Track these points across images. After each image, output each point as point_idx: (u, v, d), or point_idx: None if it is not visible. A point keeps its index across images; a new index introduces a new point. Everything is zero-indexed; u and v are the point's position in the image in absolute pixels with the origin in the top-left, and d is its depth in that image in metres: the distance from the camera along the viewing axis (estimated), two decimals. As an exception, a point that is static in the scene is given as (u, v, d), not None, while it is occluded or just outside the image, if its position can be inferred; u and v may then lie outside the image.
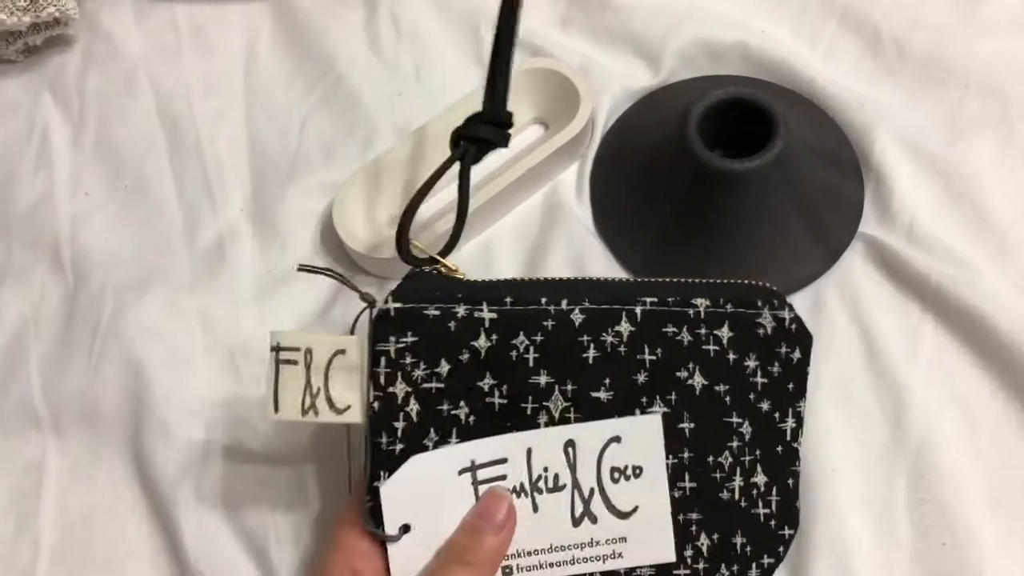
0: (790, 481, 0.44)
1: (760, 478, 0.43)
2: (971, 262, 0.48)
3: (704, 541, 0.42)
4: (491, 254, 0.53)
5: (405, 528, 0.41)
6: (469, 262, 0.53)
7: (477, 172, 0.55)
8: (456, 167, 0.46)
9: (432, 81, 0.58)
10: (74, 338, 0.52)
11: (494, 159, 0.56)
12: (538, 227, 0.54)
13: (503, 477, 0.41)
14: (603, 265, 0.51)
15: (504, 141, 0.46)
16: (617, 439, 0.42)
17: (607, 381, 0.42)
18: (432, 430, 0.41)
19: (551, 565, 0.42)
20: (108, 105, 0.60)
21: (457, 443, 0.41)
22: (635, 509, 0.42)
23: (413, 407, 0.41)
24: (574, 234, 0.52)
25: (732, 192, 0.48)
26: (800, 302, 0.50)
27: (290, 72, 0.60)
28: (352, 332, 0.41)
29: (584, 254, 0.52)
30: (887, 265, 0.49)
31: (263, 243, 0.55)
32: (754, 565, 0.43)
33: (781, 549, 0.43)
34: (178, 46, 0.61)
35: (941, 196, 0.51)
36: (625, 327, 0.42)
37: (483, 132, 0.45)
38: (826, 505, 0.44)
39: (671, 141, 0.50)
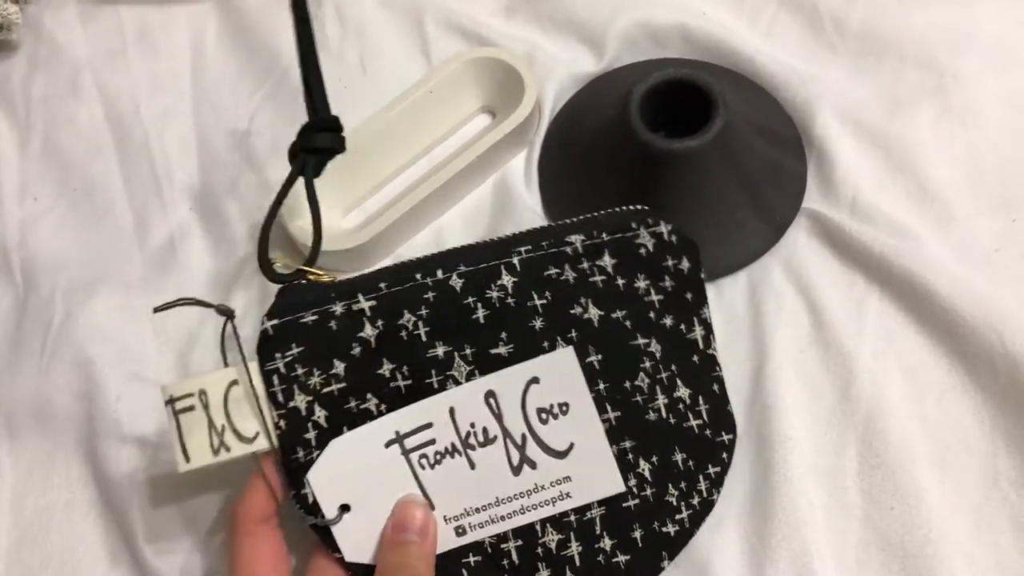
0: (715, 387, 0.45)
1: (683, 391, 0.44)
2: (914, 231, 0.49)
3: (644, 467, 0.43)
4: (443, 243, 0.54)
5: (345, 508, 0.41)
6: (422, 252, 0.53)
7: (424, 163, 0.56)
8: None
9: (378, 73, 0.58)
10: (25, 341, 0.52)
11: (441, 150, 0.56)
12: (488, 214, 0.54)
13: (432, 441, 0.41)
14: (552, 249, 0.51)
15: (341, 145, 0.46)
16: (535, 380, 0.42)
17: (504, 335, 0.42)
18: (345, 429, 0.41)
19: (502, 518, 0.42)
20: (54, 109, 0.60)
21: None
22: (571, 446, 0.42)
23: (320, 414, 0.41)
24: (524, 220, 0.53)
25: (675, 171, 0.49)
26: (747, 278, 0.50)
27: (237, 69, 0.60)
28: (222, 347, 0.41)
29: (534, 239, 0.52)
30: (831, 238, 0.50)
31: (214, 241, 0.55)
32: (701, 477, 0.44)
33: (724, 456, 0.44)
34: (123, 48, 0.61)
35: (882, 168, 0.51)
36: (507, 279, 0.42)
37: (319, 141, 0.45)
38: (779, 475, 0.44)
39: (615, 124, 0.50)
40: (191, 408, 0.40)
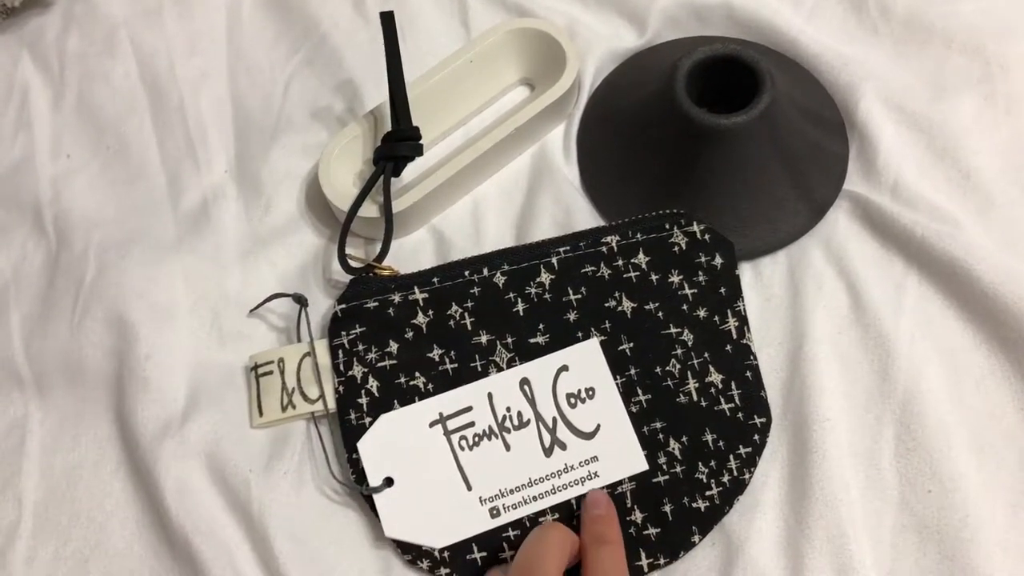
0: (748, 374, 0.46)
1: (715, 377, 0.46)
2: (954, 217, 0.48)
3: (674, 446, 0.45)
4: (479, 214, 0.53)
5: (388, 481, 0.44)
6: (458, 222, 0.53)
7: (461, 133, 0.56)
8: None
9: (416, 41, 0.58)
10: (57, 298, 0.52)
11: (478, 120, 0.56)
12: (526, 187, 0.54)
13: (471, 424, 0.46)
14: (590, 223, 0.51)
15: (419, 151, 0.51)
16: (565, 368, 0.46)
17: (541, 326, 0.47)
18: (396, 401, 0.46)
19: (534, 498, 0.45)
20: (89, 67, 0.59)
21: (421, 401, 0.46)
22: (598, 427, 0.45)
23: (373, 384, 0.46)
24: (562, 193, 0.52)
25: (719, 148, 0.48)
26: (786, 258, 0.50)
27: (274, 33, 0.60)
28: (298, 329, 0.49)
29: (571, 212, 0.52)
30: (872, 221, 0.50)
31: (247, 204, 0.54)
32: (731, 457, 0.45)
33: (756, 437, 0.45)
34: (160, 7, 0.61)
35: (925, 153, 0.51)
36: (545, 277, 0.47)
37: (400, 150, 0.51)
38: (816, 455, 0.44)
39: (658, 99, 0.50)
40: (270, 373, 0.48)
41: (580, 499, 0.45)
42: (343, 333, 0.47)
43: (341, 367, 0.46)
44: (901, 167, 0.50)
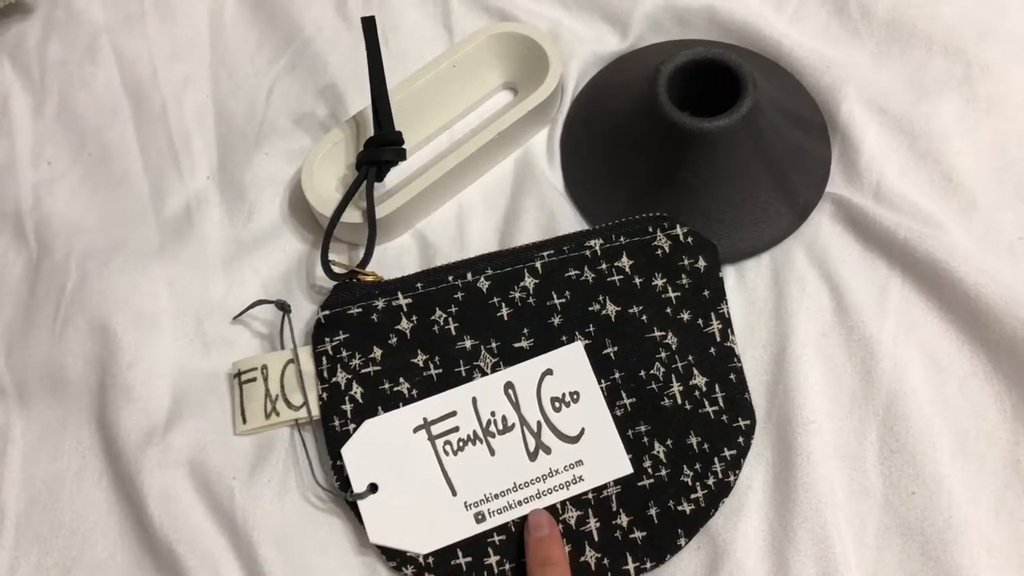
0: (731, 377, 0.46)
1: (699, 380, 0.46)
2: (937, 219, 0.49)
3: (659, 449, 0.45)
4: (463, 219, 0.53)
5: (373, 487, 0.44)
6: (442, 227, 0.53)
7: (445, 138, 0.56)
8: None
9: (399, 46, 0.58)
10: (38, 306, 0.51)
11: (462, 125, 0.56)
12: (509, 192, 0.54)
13: (456, 429, 0.46)
14: (574, 227, 0.51)
15: (402, 156, 0.51)
16: (549, 372, 0.46)
17: (525, 331, 0.47)
18: (379, 407, 0.46)
19: (519, 503, 0.45)
20: (70, 73, 0.59)
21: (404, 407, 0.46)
22: (582, 431, 0.45)
23: (356, 390, 0.46)
24: (546, 197, 0.52)
25: (702, 151, 0.48)
26: (770, 260, 0.50)
27: (256, 38, 0.59)
28: (281, 336, 0.49)
29: (555, 217, 0.52)
30: (855, 223, 0.50)
31: (231, 210, 0.54)
32: (716, 459, 0.45)
33: (740, 440, 0.46)
34: (141, 13, 0.60)
35: (907, 155, 0.51)
36: (529, 281, 0.47)
37: (383, 155, 0.50)
38: (801, 457, 0.44)
39: (641, 103, 0.50)
40: (253, 380, 0.47)
41: (565, 503, 0.45)
42: (327, 339, 0.47)
43: (325, 373, 0.46)
44: (883, 169, 0.50)
